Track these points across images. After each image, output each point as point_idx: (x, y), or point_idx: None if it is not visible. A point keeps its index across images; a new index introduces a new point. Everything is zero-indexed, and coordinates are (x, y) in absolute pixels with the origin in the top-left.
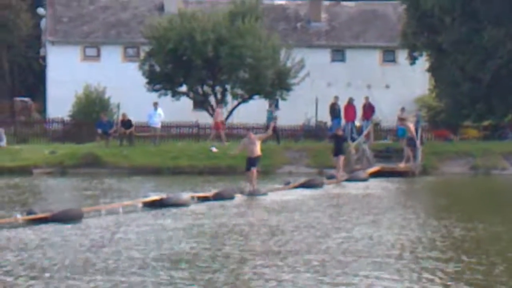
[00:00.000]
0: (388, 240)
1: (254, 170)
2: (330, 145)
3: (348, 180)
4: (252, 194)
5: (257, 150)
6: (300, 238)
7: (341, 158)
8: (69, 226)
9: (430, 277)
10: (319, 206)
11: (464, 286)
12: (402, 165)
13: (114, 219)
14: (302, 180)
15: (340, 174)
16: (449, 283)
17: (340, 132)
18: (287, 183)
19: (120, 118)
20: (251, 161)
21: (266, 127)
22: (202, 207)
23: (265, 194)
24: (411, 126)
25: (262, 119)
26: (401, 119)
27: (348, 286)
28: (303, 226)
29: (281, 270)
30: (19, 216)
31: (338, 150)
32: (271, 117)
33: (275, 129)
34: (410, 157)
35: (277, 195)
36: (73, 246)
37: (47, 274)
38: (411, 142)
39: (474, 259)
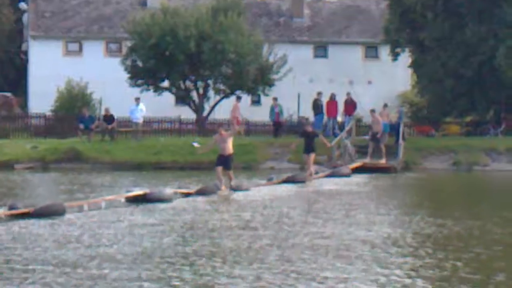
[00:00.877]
0: (357, 236)
1: (230, 172)
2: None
3: (331, 175)
4: (234, 189)
5: (229, 148)
6: (270, 234)
7: (312, 155)
8: (50, 221)
9: (391, 272)
10: (298, 202)
11: (423, 281)
12: (383, 161)
13: (96, 214)
14: (284, 176)
15: (310, 171)
16: (408, 279)
17: (309, 129)
18: (270, 179)
19: (103, 113)
20: (223, 160)
21: (276, 123)
22: (184, 202)
23: (247, 190)
24: (379, 118)
25: (244, 115)
26: (371, 111)
27: (310, 282)
28: (277, 222)
29: (245, 267)
30: (1, 211)
31: (309, 147)
32: (273, 113)
33: (280, 124)
34: (376, 152)
35: (259, 191)
36: (47, 241)
37: (13, 266)
38: (373, 138)
39: (439, 256)
